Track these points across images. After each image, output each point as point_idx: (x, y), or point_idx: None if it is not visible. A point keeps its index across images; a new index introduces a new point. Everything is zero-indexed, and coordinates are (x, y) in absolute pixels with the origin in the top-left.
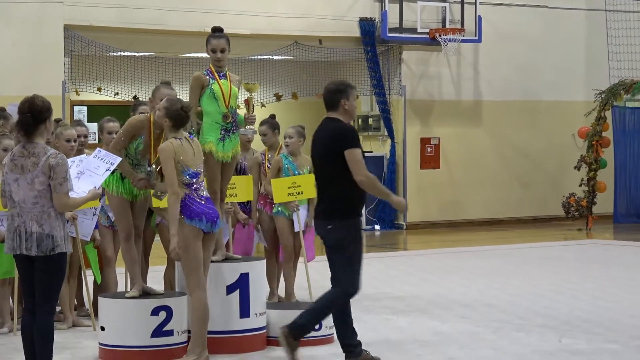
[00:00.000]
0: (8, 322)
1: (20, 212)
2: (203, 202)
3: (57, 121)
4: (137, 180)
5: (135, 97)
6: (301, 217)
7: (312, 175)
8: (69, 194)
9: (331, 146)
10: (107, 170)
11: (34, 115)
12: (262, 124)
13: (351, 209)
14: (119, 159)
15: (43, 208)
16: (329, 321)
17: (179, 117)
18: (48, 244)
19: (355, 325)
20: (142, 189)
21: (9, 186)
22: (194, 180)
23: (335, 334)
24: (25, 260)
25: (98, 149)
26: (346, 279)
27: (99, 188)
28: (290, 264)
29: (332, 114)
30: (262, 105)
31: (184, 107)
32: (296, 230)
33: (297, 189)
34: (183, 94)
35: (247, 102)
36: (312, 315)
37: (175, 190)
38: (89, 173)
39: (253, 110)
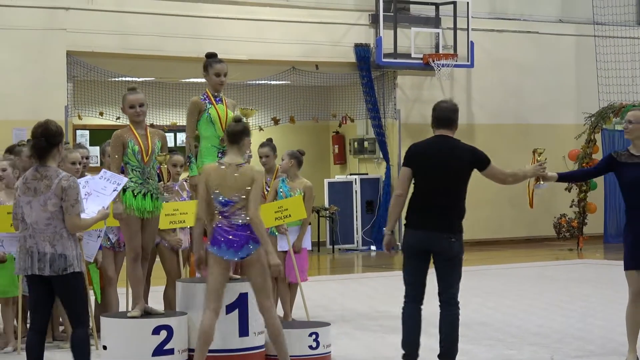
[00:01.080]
0: (12, 341)
1: (33, 234)
2: (232, 230)
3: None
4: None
5: (118, 118)
6: (291, 239)
7: (300, 197)
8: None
9: (468, 166)
10: (114, 190)
11: (47, 139)
12: (263, 145)
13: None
14: (125, 179)
15: (55, 229)
16: (326, 340)
17: (228, 132)
18: (60, 264)
19: (350, 342)
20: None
21: (21, 208)
22: (225, 208)
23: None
24: (37, 281)
25: (103, 170)
26: (458, 292)
27: (107, 208)
28: (284, 283)
29: (446, 132)
30: (260, 129)
31: (235, 118)
32: (284, 249)
33: (285, 212)
34: (182, 118)
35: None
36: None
37: (199, 215)
38: (96, 194)
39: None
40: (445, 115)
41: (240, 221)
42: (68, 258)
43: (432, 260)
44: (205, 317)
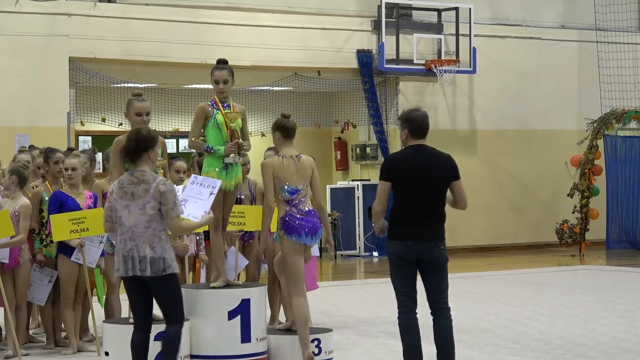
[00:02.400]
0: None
1: (133, 237)
2: (303, 217)
3: (71, 150)
4: None
5: (120, 124)
6: None
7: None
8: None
9: (450, 174)
10: (211, 194)
11: (137, 142)
12: (268, 150)
13: None
14: (219, 182)
15: (154, 232)
16: (328, 346)
17: (283, 126)
18: (160, 266)
19: (353, 348)
20: None
21: (116, 212)
22: (294, 196)
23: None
24: (136, 282)
25: (193, 175)
26: (448, 297)
27: (209, 212)
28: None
29: (422, 141)
30: (263, 135)
31: (284, 114)
32: None
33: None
34: (185, 125)
35: (231, 132)
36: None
37: (269, 204)
38: (193, 200)
39: (237, 137)
40: (424, 124)
41: (307, 208)
42: (166, 260)
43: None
44: (299, 304)
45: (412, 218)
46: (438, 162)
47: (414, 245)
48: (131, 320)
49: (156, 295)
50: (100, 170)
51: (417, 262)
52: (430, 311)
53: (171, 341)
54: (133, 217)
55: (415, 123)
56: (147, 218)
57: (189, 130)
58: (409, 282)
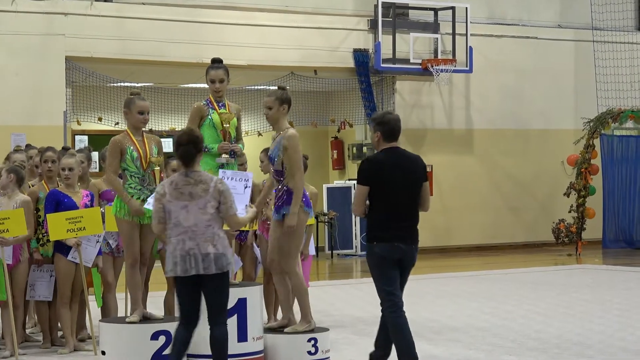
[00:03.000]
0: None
1: (193, 236)
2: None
3: (66, 149)
4: (133, 207)
5: (117, 123)
6: None
7: None
8: None
9: (422, 175)
10: (246, 187)
11: (194, 145)
12: (262, 151)
13: None
14: (250, 174)
15: (214, 230)
16: (324, 345)
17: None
18: (223, 262)
19: (349, 348)
20: (136, 214)
21: (171, 213)
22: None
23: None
24: (191, 281)
25: (221, 170)
26: None
27: (250, 206)
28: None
29: (395, 143)
30: (259, 134)
31: (280, 86)
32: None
33: None
34: (181, 124)
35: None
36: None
37: (301, 175)
38: None
39: (230, 138)
40: (398, 127)
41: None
42: (227, 256)
43: None
44: (299, 276)
45: (395, 221)
46: (413, 164)
47: (399, 247)
48: (128, 320)
49: (212, 292)
50: (97, 170)
51: (398, 261)
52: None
53: (224, 342)
54: (193, 217)
55: (389, 126)
56: (208, 217)
57: None
58: (393, 282)
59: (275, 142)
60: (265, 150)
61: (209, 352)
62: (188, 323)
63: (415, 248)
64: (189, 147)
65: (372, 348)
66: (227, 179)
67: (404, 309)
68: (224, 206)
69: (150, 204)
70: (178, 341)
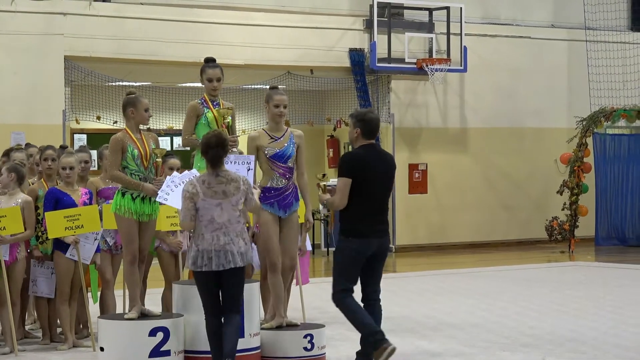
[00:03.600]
0: (9, 342)
1: (227, 232)
2: None
3: (63, 148)
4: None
5: (115, 122)
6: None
7: None
8: None
9: (394, 172)
10: (249, 169)
11: (223, 147)
12: None
13: None
14: (252, 157)
15: (241, 225)
16: (320, 341)
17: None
18: (249, 255)
19: (345, 344)
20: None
21: (204, 211)
22: None
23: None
24: (214, 275)
25: (228, 157)
26: None
27: (255, 187)
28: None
29: (372, 141)
30: None
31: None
32: (308, 249)
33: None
34: (179, 123)
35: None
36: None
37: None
38: None
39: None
40: (378, 126)
41: None
42: (250, 249)
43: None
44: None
45: (373, 215)
46: (388, 161)
47: (375, 241)
48: (127, 316)
49: (236, 284)
50: (95, 168)
51: (370, 256)
52: (363, 299)
53: (237, 330)
54: (226, 213)
55: (370, 125)
56: (238, 213)
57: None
58: (356, 280)
59: (284, 141)
60: None
61: (205, 348)
62: (219, 312)
63: (388, 240)
64: (218, 150)
65: None
66: (230, 162)
67: (355, 299)
68: (248, 201)
69: (165, 199)
70: (214, 332)
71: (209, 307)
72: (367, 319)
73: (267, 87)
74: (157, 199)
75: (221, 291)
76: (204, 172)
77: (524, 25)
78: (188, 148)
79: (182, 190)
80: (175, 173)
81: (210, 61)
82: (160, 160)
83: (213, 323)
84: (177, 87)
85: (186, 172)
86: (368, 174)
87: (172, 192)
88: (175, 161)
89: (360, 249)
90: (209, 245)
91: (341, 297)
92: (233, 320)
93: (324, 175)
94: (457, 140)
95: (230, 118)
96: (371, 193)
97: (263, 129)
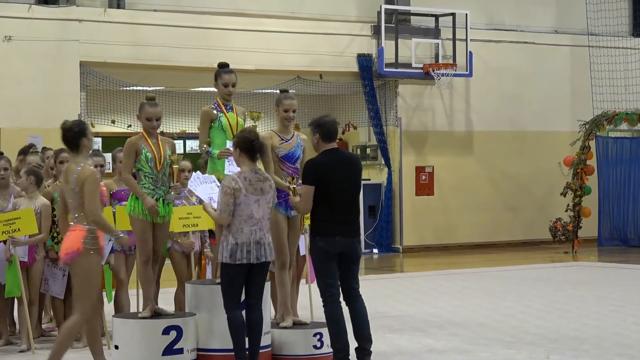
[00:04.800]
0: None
1: (261, 227)
2: None
3: None
4: (148, 204)
5: (129, 125)
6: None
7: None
8: None
9: (361, 172)
10: (217, 185)
11: (260, 143)
12: None
13: None
14: (213, 176)
15: (269, 221)
16: (329, 339)
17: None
18: (273, 250)
19: (352, 342)
20: (150, 209)
21: (244, 206)
22: None
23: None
24: (245, 268)
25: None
26: None
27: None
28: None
29: (334, 144)
30: None
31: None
32: (302, 254)
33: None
34: (192, 126)
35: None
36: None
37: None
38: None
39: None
40: (333, 129)
41: None
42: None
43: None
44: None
45: (341, 218)
46: (353, 163)
47: (343, 241)
48: (140, 315)
49: (262, 278)
50: (110, 170)
51: (340, 255)
52: (345, 299)
53: (261, 324)
54: (262, 209)
55: (326, 128)
56: (269, 210)
57: (195, 131)
58: (335, 274)
59: (293, 142)
60: None
61: (217, 346)
62: (239, 306)
63: (357, 241)
64: (258, 143)
65: (373, 341)
66: (200, 183)
67: (363, 298)
68: (275, 194)
69: (204, 195)
70: (240, 323)
71: (232, 301)
72: (341, 336)
73: (278, 91)
74: (189, 186)
75: (247, 284)
76: (245, 169)
77: (528, 31)
78: (198, 151)
79: (222, 185)
80: (198, 172)
81: (224, 66)
82: (177, 166)
83: (238, 315)
84: (190, 91)
85: (206, 175)
86: (329, 179)
87: (198, 187)
88: (186, 163)
89: (327, 247)
90: (248, 239)
91: (327, 303)
92: (258, 319)
93: (293, 178)
94: (463, 143)
95: (257, 122)
96: (334, 197)
97: (272, 130)
